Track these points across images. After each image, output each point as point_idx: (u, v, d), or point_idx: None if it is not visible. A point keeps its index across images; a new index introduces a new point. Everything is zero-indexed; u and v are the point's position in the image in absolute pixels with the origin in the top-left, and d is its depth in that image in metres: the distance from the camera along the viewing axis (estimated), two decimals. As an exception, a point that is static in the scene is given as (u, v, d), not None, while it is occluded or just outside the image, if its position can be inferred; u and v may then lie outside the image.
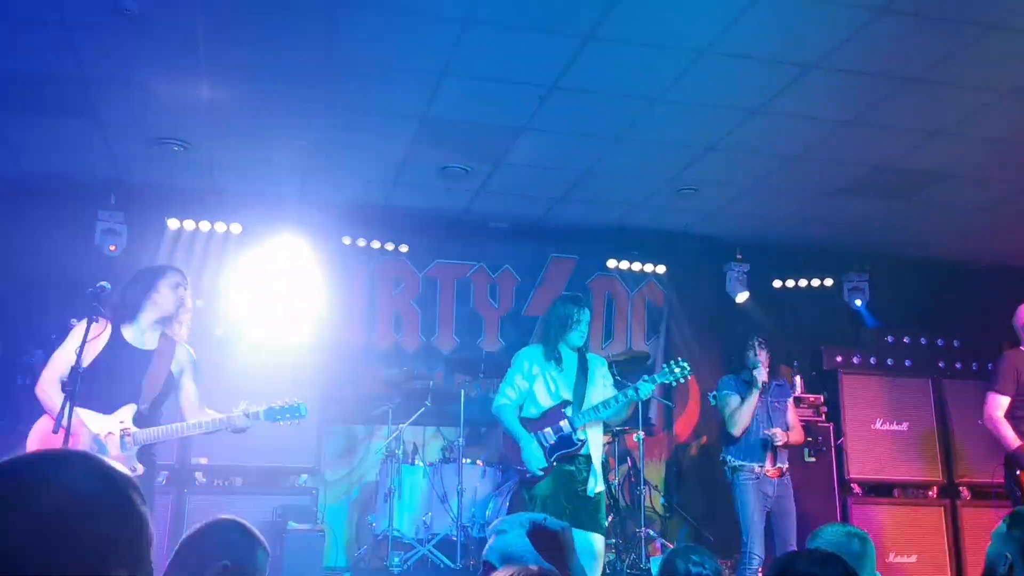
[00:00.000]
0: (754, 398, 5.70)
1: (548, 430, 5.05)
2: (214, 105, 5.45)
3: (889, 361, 7.51)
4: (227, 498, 5.93)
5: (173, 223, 6.86)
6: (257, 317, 6.70)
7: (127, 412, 4.17)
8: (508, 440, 5.22)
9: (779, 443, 5.73)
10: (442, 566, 5.94)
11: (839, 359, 7.39)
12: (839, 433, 7.10)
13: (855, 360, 7.42)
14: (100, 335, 4.16)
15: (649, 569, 6.21)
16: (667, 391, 7.78)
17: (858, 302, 7.99)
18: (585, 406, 5.12)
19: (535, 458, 5.01)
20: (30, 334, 6.42)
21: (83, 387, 3.83)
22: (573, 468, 5.03)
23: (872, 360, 7.48)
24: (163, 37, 4.66)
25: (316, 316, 7.13)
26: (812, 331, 8.06)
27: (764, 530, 5.69)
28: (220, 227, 6.92)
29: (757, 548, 5.58)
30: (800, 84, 5.07)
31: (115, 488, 1.17)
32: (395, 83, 5.17)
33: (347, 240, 7.31)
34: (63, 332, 5.89)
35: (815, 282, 8.13)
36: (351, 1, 4.32)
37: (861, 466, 7.09)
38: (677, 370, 5.23)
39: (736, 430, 5.75)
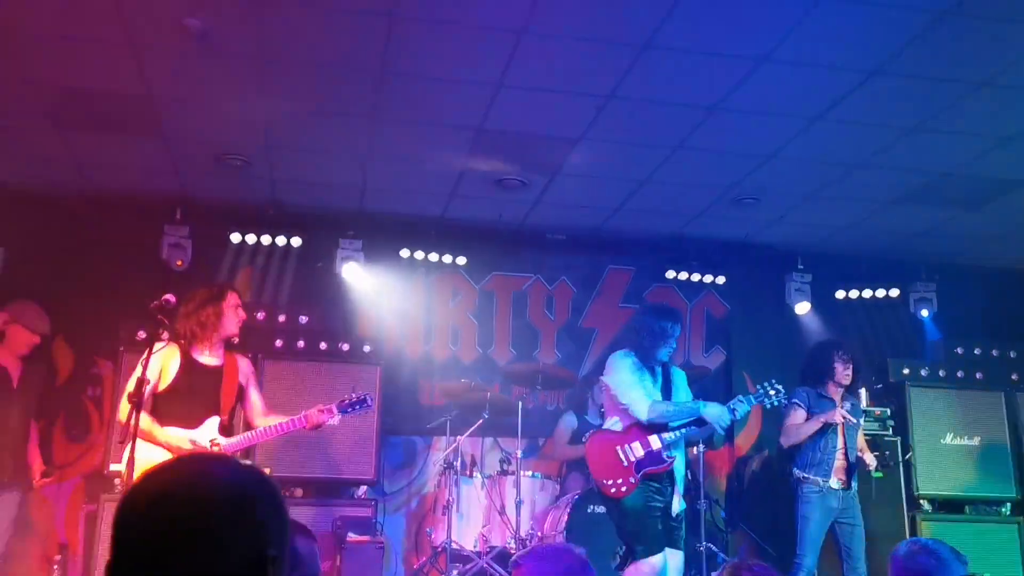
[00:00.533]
0: (817, 423, 5.62)
1: (636, 444, 4.78)
2: (274, 121, 5.54)
3: (959, 373, 7.29)
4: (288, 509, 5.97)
5: (235, 237, 6.98)
6: (317, 329, 6.76)
7: (211, 425, 4.57)
8: (595, 446, 4.90)
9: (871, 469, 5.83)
10: (501, 579, 5.92)
11: (906, 371, 7.20)
12: (907, 448, 6.91)
13: (923, 373, 7.22)
14: (172, 358, 4.59)
15: (710, 584, 6.10)
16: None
17: (924, 313, 7.78)
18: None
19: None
20: (99, 347, 6.59)
21: (167, 407, 4.47)
22: (659, 485, 4.79)
23: (941, 373, 7.27)
24: (225, 55, 4.76)
25: (374, 328, 7.19)
26: (877, 343, 7.87)
27: (825, 544, 5.63)
28: (280, 240, 7.01)
29: (808, 560, 5.49)
30: (863, 90, 4.97)
31: (265, 480, 1.33)
32: (451, 96, 5.20)
33: (405, 253, 7.36)
34: (131, 345, 6.08)
35: (880, 292, 7.93)
36: (406, 15, 4.36)
37: (930, 482, 6.89)
38: (772, 393, 4.98)
39: (786, 442, 5.74)
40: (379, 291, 7.31)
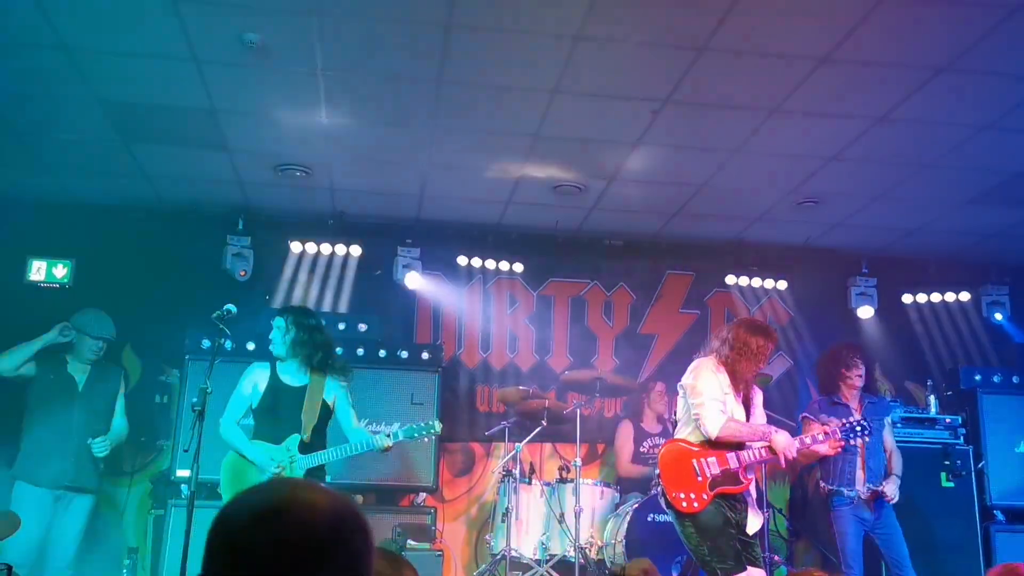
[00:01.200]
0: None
1: (713, 460, 4.50)
2: (333, 131, 5.61)
3: (1036, 381, 7.05)
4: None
5: (296, 246, 7.07)
6: (376, 336, 6.82)
7: (292, 442, 4.94)
8: (669, 457, 4.62)
9: (889, 498, 5.65)
10: (560, 587, 5.89)
11: (978, 377, 6.98)
12: (979, 456, 6.70)
13: (996, 379, 7.00)
14: (262, 377, 5.07)
15: (775, 596, 5.99)
16: (791, 412, 7.53)
17: (998, 316, 7.54)
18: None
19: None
20: (166, 355, 6.73)
21: (256, 424, 5.05)
22: (732, 501, 4.51)
23: (1015, 379, 7.03)
24: (285, 67, 4.84)
25: (432, 335, 7.24)
26: (948, 348, 7.64)
27: (866, 554, 5.63)
28: (340, 249, 7.09)
29: (855, 573, 5.40)
30: (929, 88, 4.84)
31: (360, 512, 1.35)
32: (507, 103, 5.20)
33: (463, 260, 7.38)
34: (196, 353, 6.21)
35: (949, 296, 7.70)
36: (462, 23, 4.37)
37: (1004, 491, 6.68)
38: (859, 429, 4.75)
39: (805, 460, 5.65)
40: (437, 299, 7.36)
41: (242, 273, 6.74)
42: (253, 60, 4.70)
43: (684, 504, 4.43)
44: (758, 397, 4.83)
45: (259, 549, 1.22)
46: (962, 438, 6.73)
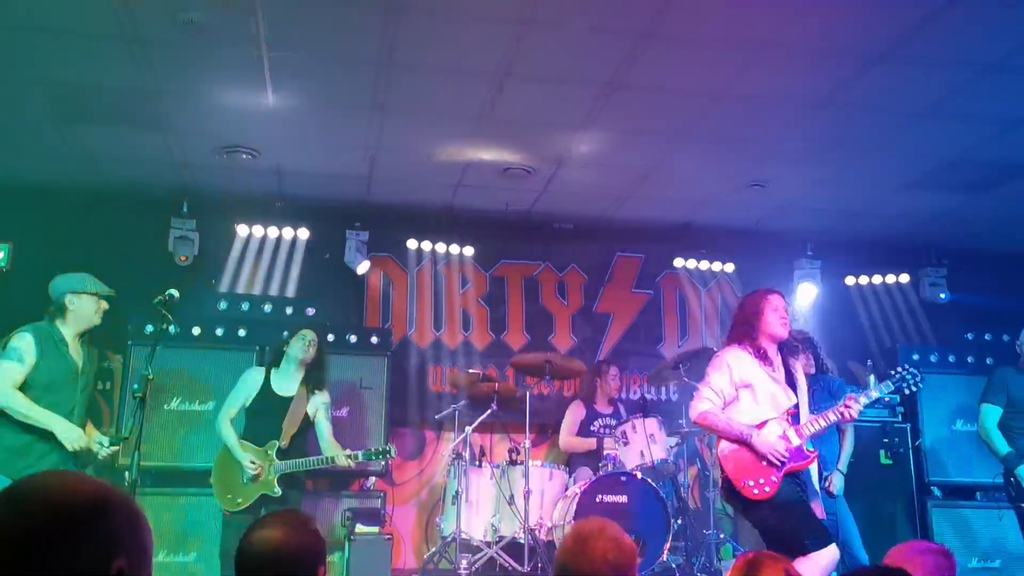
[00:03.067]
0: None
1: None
2: (280, 113, 5.54)
3: (970, 359, 7.23)
4: (296, 501, 5.99)
5: (243, 229, 6.99)
6: (324, 321, 6.77)
7: (271, 447, 5.32)
8: (726, 449, 4.33)
9: (831, 493, 5.67)
10: (510, 569, 5.93)
11: (916, 357, 7.15)
12: (917, 434, 6.88)
13: (932, 358, 7.17)
14: (258, 382, 5.47)
15: (719, 572, 6.10)
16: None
17: (942, 296, 7.73)
18: (804, 413, 4.42)
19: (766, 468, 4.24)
20: (108, 341, 6.60)
21: (247, 424, 5.43)
22: (798, 484, 4.30)
23: (951, 358, 7.22)
24: (227, 47, 4.75)
25: (382, 318, 7.23)
26: (887, 328, 7.82)
27: None
28: (287, 232, 7.02)
29: None
30: (868, 75, 4.93)
31: (126, 499, 1.37)
32: (455, 86, 5.18)
33: (412, 243, 7.36)
34: (139, 338, 6.11)
35: (890, 278, 7.88)
36: (409, 5, 4.34)
37: (941, 468, 6.86)
38: (909, 378, 4.56)
39: None
40: (386, 281, 7.33)
41: (183, 259, 6.64)
42: (193, 40, 4.61)
43: (756, 491, 4.19)
44: (799, 371, 4.59)
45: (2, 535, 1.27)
46: (900, 416, 6.90)
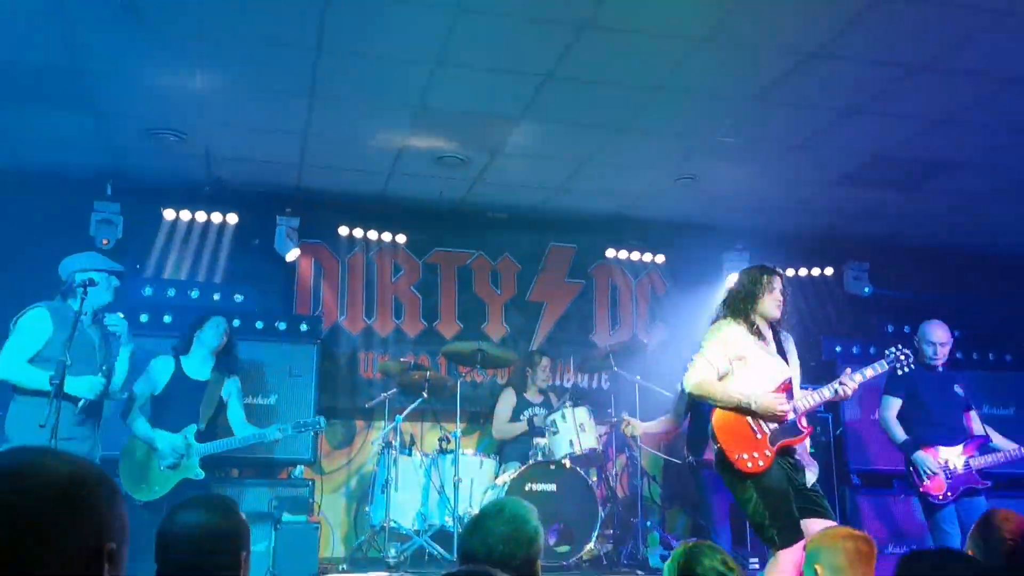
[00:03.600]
0: None
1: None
2: (209, 96, 5.43)
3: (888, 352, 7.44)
4: (222, 489, 5.91)
5: (169, 214, 6.83)
6: (253, 308, 6.67)
7: (190, 431, 5.27)
8: (723, 419, 4.32)
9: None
10: (438, 557, 5.93)
11: (838, 348, 7.34)
12: (838, 424, 7.06)
13: (855, 350, 7.37)
14: (167, 370, 5.39)
15: (647, 559, 6.19)
16: (667, 382, 7.76)
17: (866, 290, 7.94)
18: (797, 388, 4.41)
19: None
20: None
21: (156, 412, 5.30)
22: (793, 460, 4.30)
23: (872, 350, 7.41)
24: (157, 27, 4.63)
25: (313, 305, 7.15)
26: (812, 320, 8.01)
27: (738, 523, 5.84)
28: (216, 217, 6.88)
29: (726, 536, 5.63)
30: (800, 72, 5.02)
31: (101, 473, 1.29)
32: (389, 72, 5.13)
33: (344, 230, 7.29)
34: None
35: (815, 271, 8.07)
36: (343, -9, 4.28)
37: (862, 456, 7.06)
38: (903, 357, 4.62)
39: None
40: (317, 268, 7.25)
41: (104, 242, 6.45)
42: (122, 17, 4.47)
43: (750, 464, 4.19)
44: (790, 344, 4.60)
45: None
46: (823, 406, 7.06)
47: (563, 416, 6.27)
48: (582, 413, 6.32)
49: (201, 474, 5.22)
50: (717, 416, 4.34)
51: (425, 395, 6.40)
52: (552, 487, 5.92)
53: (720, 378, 4.30)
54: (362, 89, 5.35)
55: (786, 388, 4.30)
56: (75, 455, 1.31)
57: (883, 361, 4.60)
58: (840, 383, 4.33)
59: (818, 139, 5.95)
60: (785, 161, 6.33)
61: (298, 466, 6.50)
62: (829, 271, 8.06)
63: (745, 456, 4.20)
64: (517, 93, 5.34)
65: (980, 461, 5.65)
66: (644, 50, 4.83)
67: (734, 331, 4.35)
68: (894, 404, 5.89)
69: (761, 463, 4.17)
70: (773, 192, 6.97)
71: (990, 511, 3.34)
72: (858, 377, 4.37)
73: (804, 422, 4.30)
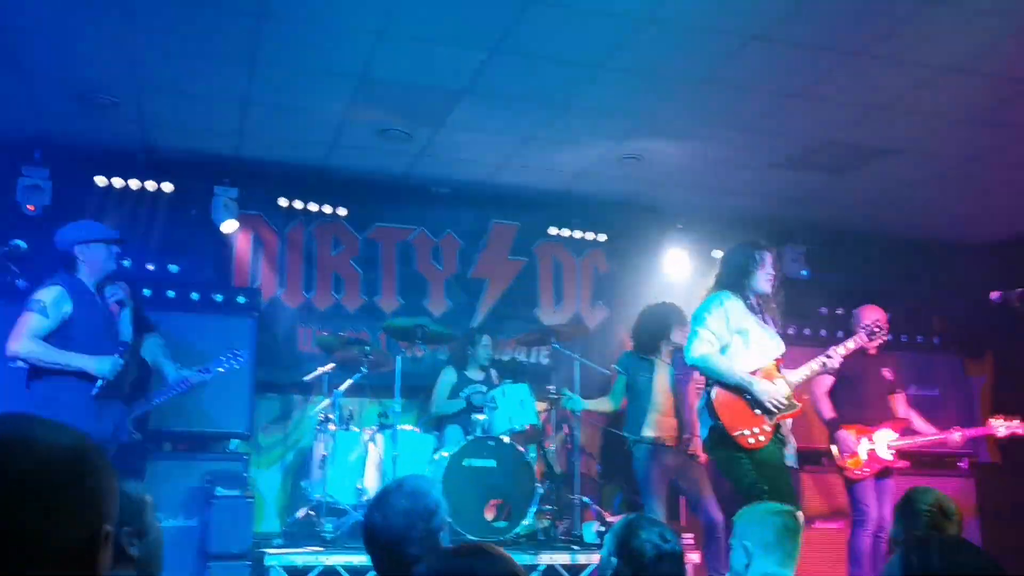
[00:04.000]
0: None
1: None
2: (144, 60, 5.26)
3: (823, 332, 7.61)
4: (152, 464, 5.80)
5: (101, 180, 6.63)
6: (188, 278, 6.53)
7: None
8: (723, 395, 4.40)
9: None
10: (376, 532, 5.90)
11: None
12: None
13: (791, 331, 7.48)
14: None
15: (582, 536, 6.25)
16: (607, 359, 7.82)
17: (803, 272, 8.07)
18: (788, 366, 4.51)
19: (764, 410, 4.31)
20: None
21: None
22: (782, 436, 4.42)
23: (807, 331, 7.57)
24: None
25: (250, 277, 7.04)
26: (750, 302, 8.12)
27: (672, 500, 5.99)
28: (151, 185, 6.70)
29: (659, 515, 5.69)
30: (743, 54, 5.05)
31: (99, 449, 1.20)
32: (331, 42, 5.03)
33: (283, 202, 7.17)
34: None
35: (755, 253, 8.16)
36: (284, -46, 4.17)
37: (799, 434, 7.17)
38: (876, 330, 4.93)
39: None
40: (256, 240, 7.12)
41: (30, 208, 6.24)
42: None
43: (751, 440, 4.25)
44: (775, 325, 4.69)
45: None
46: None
47: (503, 392, 6.27)
48: (522, 390, 6.33)
49: (139, 436, 5.06)
50: (717, 392, 4.39)
51: (364, 370, 6.35)
52: (491, 463, 5.92)
53: (721, 351, 4.38)
54: (304, 58, 5.24)
55: (780, 363, 4.42)
56: (75, 429, 1.21)
57: (863, 332, 4.82)
58: (827, 356, 4.46)
59: (759, 122, 6.00)
60: (727, 143, 6.39)
61: (233, 440, 6.40)
62: (768, 253, 8.16)
63: (747, 432, 4.27)
64: (462, 66, 5.28)
65: (899, 443, 5.91)
66: (590, 27, 4.81)
67: (734, 305, 4.44)
68: (826, 382, 6.05)
69: (762, 438, 4.27)
70: (715, 174, 7.03)
71: (910, 488, 3.47)
72: (842, 349, 4.52)
73: (799, 395, 4.43)
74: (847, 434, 5.87)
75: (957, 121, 5.90)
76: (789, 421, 4.57)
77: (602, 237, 7.96)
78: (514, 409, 6.23)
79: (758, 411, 4.30)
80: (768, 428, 4.28)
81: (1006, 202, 7.41)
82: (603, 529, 6.08)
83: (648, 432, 5.86)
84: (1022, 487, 6.95)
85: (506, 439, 6.05)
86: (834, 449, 5.98)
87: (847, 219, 7.95)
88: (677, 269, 7.85)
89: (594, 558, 5.77)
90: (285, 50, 5.14)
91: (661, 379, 5.93)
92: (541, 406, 6.64)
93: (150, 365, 5.39)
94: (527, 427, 6.26)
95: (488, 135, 6.38)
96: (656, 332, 6.02)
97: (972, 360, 8.16)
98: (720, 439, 4.35)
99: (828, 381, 6.03)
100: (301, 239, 7.33)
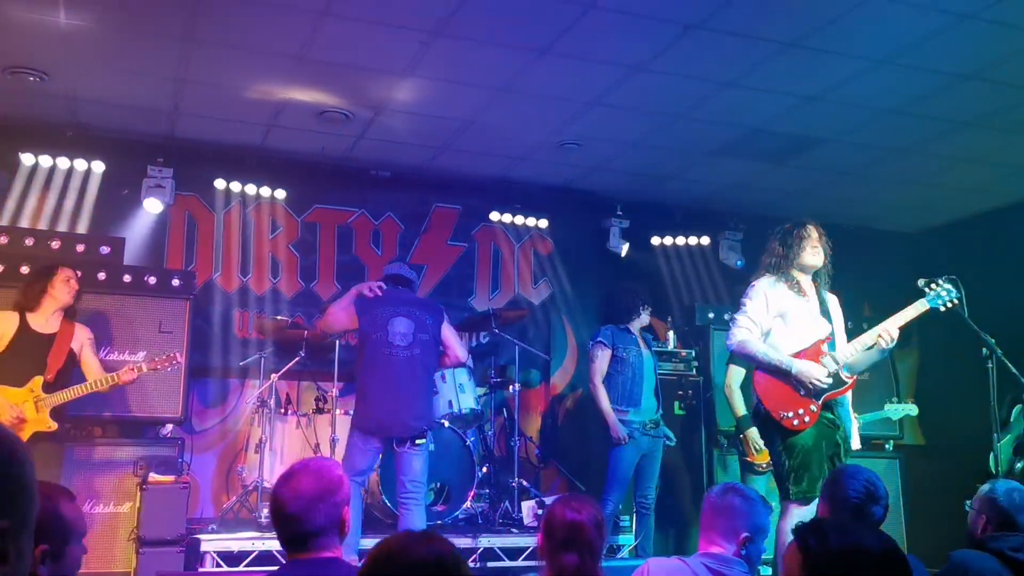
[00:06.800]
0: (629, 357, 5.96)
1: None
2: (74, 35, 5.10)
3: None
4: (85, 449, 5.68)
5: (28, 158, 6.43)
6: (120, 260, 6.37)
7: (35, 383, 5.07)
8: (764, 379, 4.39)
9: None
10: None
11: (711, 315, 7.59)
12: (708, 388, 7.31)
13: (725, 316, 7.61)
14: (11, 324, 5.16)
15: (521, 519, 6.30)
16: (547, 344, 7.88)
17: (738, 263, 8.21)
18: (840, 340, 4.45)
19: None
20: None
21: (1, 368, 5.03)
22: (833, 416, 4.35)
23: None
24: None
25: (185, 260, 6.91)
26: (687, 287, 8.25)
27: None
28: (81, 164, 6.52)
29: (615, 495, 5.78)
30: (683, 43, 5.10)
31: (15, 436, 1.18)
32: (271, 22, 4.95)
33: (220, 183, 7.04)
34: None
35: (692, 240, 8.30)
36: (221, -70, 4.09)
37: (729, 419, 7.32)
38: (944, 293, 4.35)
39: (593, 379, 5.97)
40: (191, 222, 6.98)
41: None
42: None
43: (796, 423, 4.25)
44: (833, 302, 4.65)
45: None
46: (695, 370, 7.32)
47: (442, 376, 6.27)
48: (461, 374, 6.34)
49: (54, 425, 5.04)
50: (758, 380, 4.43)
51: (303, 354, 6.30)
52: (430, 447, 5.92)
53: (764, 336, 4.41)
54: (242, 37, 5.15)
55: (827, 341, 4.37)
56: None
57: (923, 300, 4.37)
58: (883, 328, 4.30)
59: (697, 110, 6.08)
60: (666, 130, 6.45)
61: (167, 425, 6.29)
62: (705, 240, 8.31)
63: (791, 414, 4.27)
64: (403, 48, 5.24)
65: None
66: (533, 11, 4.81)
67: (775, 289, 4.46)
68: (738, 374, 6.15)
69: (807, 419, 4.27)
70: (655, 161, 7.11)
71: (838, 469, 3.56)
72: (900, 320, 4.33)
73: (847, 373, 4.35)
74: (756, 433, 5.86)
75: (886, 112, 6.05)
76: (848, 400, 4.47)
77: (543, 222, 7.99)
78: (454, 393, 6.24)
79: (802, 392, 4.28)
80: (815, 408, 4.26)
81: (933, 192, 7.64)
82: (541, 512, 6.14)
83: (641, 408, 5.93)
84: (943, 468, 7.20)
85: (445, 423, 6.06)
86: (743, 443, 6.07)
87: (782, 206, 8.08)
88: (617, 254, 7.93)
89: (532, 541, 5.83)
90: (221, 28, 5.05)
91: (647, 357, 6.05)
92: (481, 390, 6.66)
93: (77, 357, 5.32)
94: (466, 411, 6.28)
95: (429, 118, 6.34)
96: (631, 305, 6.12)
97: (898, 346, 8.38)
98: (765, 420, 4.39)
99: (739, 373, 6.11)
100: (238, 222, 7.21)
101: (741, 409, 6.10)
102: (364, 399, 5.09)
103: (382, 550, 1.76)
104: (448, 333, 5.31)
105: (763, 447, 5.78)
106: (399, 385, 5.04)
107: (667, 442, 6.14)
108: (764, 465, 5.85)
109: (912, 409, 6.89)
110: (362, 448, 5.07)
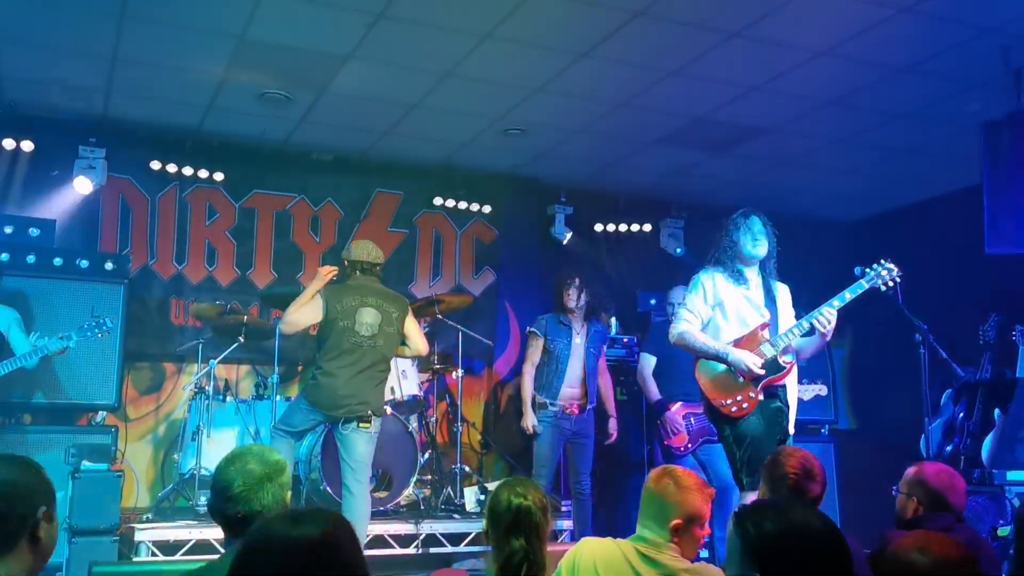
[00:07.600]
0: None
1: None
2: (1, 8, 4.91)
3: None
4: (15, 437, 5.51)
5: (-48, 137, 6.20)
6: (50, 243, 6.18)
7: None
8: (703, 369, 4.49)
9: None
10: (252, 505, 5.79)
11: (653, 302, 7.65)
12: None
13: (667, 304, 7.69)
14: None
15: (463, 505, 6.29)
16: (490, 330, 7.86)
17: (678, 250, 8.29)
18: (783, 327, 4.47)
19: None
20: None
21: None
22: (779, 404, 4.41)
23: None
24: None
25: (119, 244, 6.73)
26: (631, 275, 8.30)
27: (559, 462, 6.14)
28: (9, 144, 6.31)
29: (542, 480, 5.83)
30: (628, 30, 5.11)
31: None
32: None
33: (156, 165, 6.86)
34: None
35: (635, 227, 8.36)
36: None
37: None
38: (884, 272, 4.39)
39: (524, 366, 6.13)
40: (124, 205, 6.80)
41: None
42: None
43: (734, 409, 4.34)
44: (783, 293, 4.69)
45: None
46: (636, 356, 7.36)
47: (385, 363, 6.22)
48: (404, 361, 6.29)
49: None
50: (699, 365, 4.51)
51: (242, 339, 6.19)
52: (374, 430, 5.88)
53: (704, 327, 4.49)
54: (179, 14, 5.01)
55: (765, 327, 4.43)
56: None
57: (862, 281, 4.40)
58: (819, 312, 4.32)
59: (641, 99, 6.10)
60: (610, 118, 6.47)
61: (100, 412, 6.14)
62: (647, 228, 8.38)
63: (728, 402, 4.36)
64: (346, 30, 5.15)
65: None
66: (477, -4, 4.78)
67: (710, 280, 4.55)
68: (650, 362, 6.28)
69: (745, 405, 4.35)
70: (599, 148, 7.13)
71: (778, 448, 3.62)
72: (836, 303, 4.35)
73: (786, 358, 4.40)
74: (673, 416, 6.04)
75: (827, 103, 6.15)
76: (794, 383, 4.53)
77: (487, 208, 7.96)
78: (396, 379, 6.19)
79: (740, 379, 4.36)
80: (754, 395, 4.33)
81: (870, 183, 7.80)
82: (483, 497, 6.14)
83: (558, 400, 5.99)
84: (876, 451, 7.38)
85: (388, 409, 6.01)
86: (661, 428, 6.14)
87: (722, 195, 8.18)
88: (561, 239, 7.95)
89: (474, 526, 5.83)
90: (158, 5, 4.90)
91: (576, 347, 6.08)
92: (423, 376, 6.62)
93: (4, 337, 5.25)
94: (409, 397, 6.24)
95: (372, 102, 6.26)
96: (559, 289, 6.21)
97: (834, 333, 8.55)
98: (708, 409, 4.50)
99: (652, 361, 6.27)
100: (174, 206, 7.04)
101: (655, 395, 6.22)
102: (321, 377, 5.11)
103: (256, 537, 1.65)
104: (411, 326, 5.36)
105: (679, 429, 5.98)
106: (358, 372, 5.09)
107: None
108: (682, 448, 5.98)
109: None
110: (305, 411, 5.12)
